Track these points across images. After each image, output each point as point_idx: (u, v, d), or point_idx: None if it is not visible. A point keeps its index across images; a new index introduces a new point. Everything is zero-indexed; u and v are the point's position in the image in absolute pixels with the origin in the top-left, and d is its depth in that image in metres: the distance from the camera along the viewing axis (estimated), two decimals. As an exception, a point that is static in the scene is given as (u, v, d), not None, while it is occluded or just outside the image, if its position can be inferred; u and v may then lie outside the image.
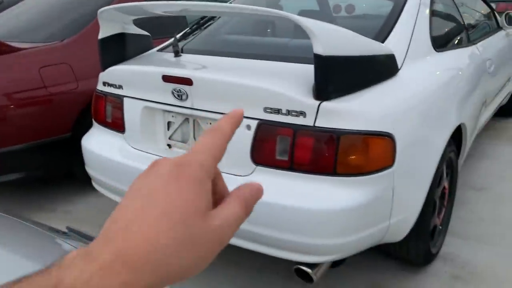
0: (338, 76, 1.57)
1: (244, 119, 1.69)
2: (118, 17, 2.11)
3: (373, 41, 1.73)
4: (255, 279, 2.17)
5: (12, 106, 2.63)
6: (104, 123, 2.21)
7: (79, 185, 3.20)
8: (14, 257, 1.15)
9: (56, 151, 2.86)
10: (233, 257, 2.32)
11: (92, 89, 2.90)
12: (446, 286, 2.09)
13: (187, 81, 1.77)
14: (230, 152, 1.80)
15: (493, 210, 2.69)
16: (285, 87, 1.61)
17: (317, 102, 1.56)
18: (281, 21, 1.79)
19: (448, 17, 2.56)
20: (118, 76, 2.07)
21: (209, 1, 4.14)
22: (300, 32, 2.07)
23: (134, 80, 2.00)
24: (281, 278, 2.16)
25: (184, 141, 1.96)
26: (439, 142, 1.89)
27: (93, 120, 2.31)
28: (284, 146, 1.63)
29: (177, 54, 2.09)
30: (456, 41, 2.49)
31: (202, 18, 2.65)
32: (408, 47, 1.98)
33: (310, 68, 1.72)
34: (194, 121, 1.90)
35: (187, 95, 1.81)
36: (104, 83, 2.15)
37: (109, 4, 3.18)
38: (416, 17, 2.14)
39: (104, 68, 2.17)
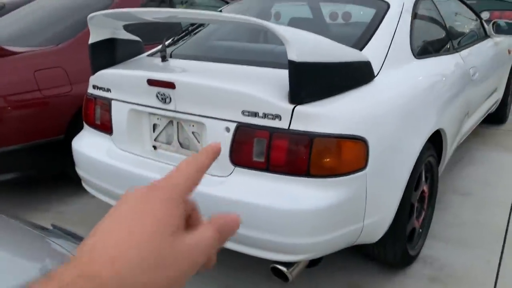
0: (312, 81, 1.64)
1: (223, 122, 1.76)
2: (108, 22, 2.19)
3: (348, 48, 1.80)
4: (238, 279, 2.22)
5: (7, 108, 2.71)
6: (93, 125, 2.28)
7: (73, 186, 3.26)
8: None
9: (50, 152, 2.93)
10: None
11: (85, 92, 2.99)
12: None
13: (170, 85, 1.84)
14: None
15: (476, 214, 2.74)
16: (262, 91, 1.67)
17: (292, 106, 1.62)
18: (258, 28, 1.85)
19: (431, 25, 2.63)
20: (106, 80, 2.15)
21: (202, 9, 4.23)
22: (276, 38, 2.15)
23: (121, 84, 2.07)
24: (264, 277, 2.21)
25: (168, 142, 2.02)
26: (414, 146, 1.95)
27: (83, 122, 2.39)
28: (260, 148, 1.69)
29: (164, 59, 2.17)
30: (438, 48, 2.55)
31: (192, 24, 2.73)
32: (387, 54, 2.05)
33: (285, 73, 1.79)
34: (177, 123, 1.96)
35: (170, 99, 1.88)
36: (94, 86, 2.23)
37: (105, 9, 3.28)
38: (397, 25, 2.21)
39: (94, 71, 2.24)
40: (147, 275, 0.33)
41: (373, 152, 1.71)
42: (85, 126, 2.37)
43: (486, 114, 3.57)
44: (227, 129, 1.75)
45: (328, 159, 1.63)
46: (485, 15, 4.84)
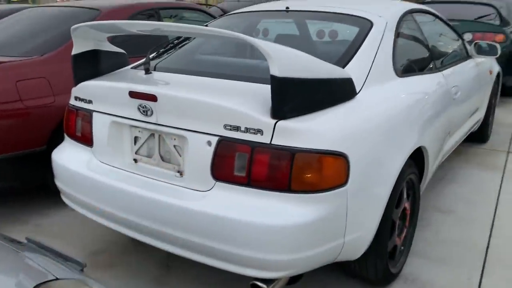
0: (294, 97, 1.64)
1: (205, 135, 1.75)
2: (92, 34, 2.17)
3: (330, 64, 1.81)
4: (218, 295, 2.19)
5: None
6: (74, 137, 2.25)
7: (53, 198, 3.21)
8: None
9: (31, 163, 2.88)
10: (193, 271, 2.34)
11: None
12: (405, 305, 2.13)
13: (152, 97, 1.83)
14: (191, 167, 1.85)
15: (457, 232, 2.75)
16: (244, 106, 1.67)
17: (274, 121, 1.62)
18: (241, 43, 1.86)
19: (413, 44, 2.67)
20: (88, 91, 2.13)
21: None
22: (259, 53, 2.15)
23: (103, 95, 2.05)
24: (243, 295, 2.18)
25: (149, 156, 2.00)
26: (395, 163, 1.96)
27: (64, 134, 2.35)
28: (242, 162, 1.68)
29: (147, 71, 2.16)
30: (421, 67, 2.59)
31: (178, 38, 2.74)
32: (369, 72, 2.07)
33: (267, 88, 1.79)
34: (159, 136, 1.95)
35: (152, 111, 1.86)
36: (76, 98, 2.21)
37: (91, 21, 3.27)
38: (380, 43, 2.24)
39: (76, 83, 2.22)
40: None
41: (354, 168, 1.71)
42: (66, 137, 2.34)
43: (468, 133, 3.61)
44: (209, 143, 1.74)
45: (309, 175, 1.62)
46: (467, 36, 4.94)
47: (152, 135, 1.97)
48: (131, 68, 2.42)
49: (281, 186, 1.63)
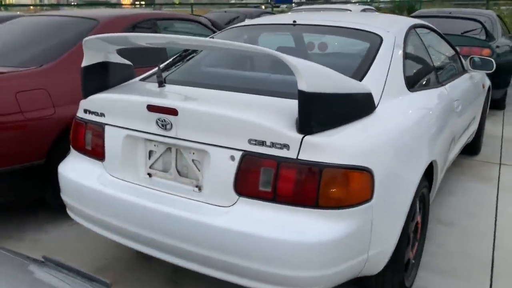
0: (321, 112, 1.63)
1: (228, 150, 1.72)
2: (102, 46, 2.13)
3: (353, 80, 1.82)
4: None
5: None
6: (83, 151, 2.19)
7: (49, 212, 3.11)
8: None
9: (29, 177, 2.79)
10: (201, 287, 2.30)
11: (69, 115, 2.89)
12: (420, 319, 2.13)
13: (172, 111, 1.80)
14: (212, 182, 1.82)
15: (461, 245, 2.78)
16: (270, 120, 1.66)
17: (301, 136, 1.61)
18: (268, 58, 1.85)
19: (419, 59, 2.71)
20: (100, 104, 2.08)
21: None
22: (280, 68, 2.14)
23: (117, 109, 2.01)
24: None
25: (165, 170, 1.96)
26: (414, 178, 1.97)
27: (71, 147, 2.29)
28: (267, 177, 1.66)
29: (161, 84, 2.12)
30: (427, 82, 2.63)
31: (185, 50, 2.71)
32: (384, 86, 2.08)
33: (291, 103, 1.78)
34: (176, 150, 1.91)
35: (171, 125, 1.83)
36: (86, 111, 2.15)
37: (89, 31, 3.22)
38: (391, 58, 2.26)
39: (86, 95, 2.17)
40: None
41: (378, 183, 1.71)
42: (73, 151, 2.28)
43: (465, 145, 3.68)
44: (232, 158, 1.71)
45: (336, 190, 1.61)
46: (455, 50, 5.05)
47: (169, 149, 1.93)
48: (140, 80, 2.38)
49: (308, 201, 1.62)
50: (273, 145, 1.64)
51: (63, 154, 2.90)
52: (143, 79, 2.38)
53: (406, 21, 2.77)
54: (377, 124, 1.86)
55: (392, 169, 1.82)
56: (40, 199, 3.00)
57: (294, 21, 2.68)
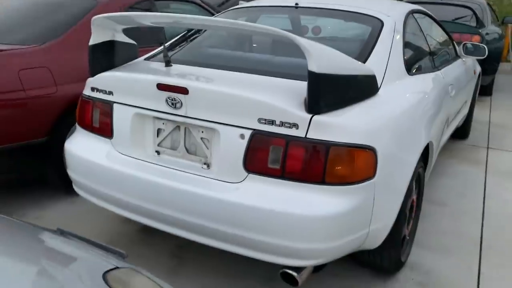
0: (329, 92, 1.70)
1: (238, 129, 1.78)
2: (110, 25, 2.16)
3: (359, 62, 1.88)
4: (235, 286, 2.23)
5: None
6: (90, 128, 2.22)
7: (51, 191, 3.15)
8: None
9: (31, 154, 2.82)
10: (207, 262, 2.38)
11: (71, 94, 2.91)
12: (414, 292, 2.25)
13: (183, 90, 1.85)
14: (221, 159, 1.88)
15: (452, 223, 2.91)
16: (280, 101, 1.72)
17: (309, 115, 1.68)
18: (278, 39, 1.90)
19: (417, 44, 2.78)
20: (108, 83, 2.11)
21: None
22: (286, 49, 2.19)
23: (126, 87, 2.04)
24: (260, 285, 2.24)
25: (173, 148, 2.02)
26: (413, 158, 2.06)
27: (77, 124, 2.32)
28: (276, 155, 1.73)
29: (168, 63, 2.16)
30: (424, 66, 2.71)
31: (189, 30, 2.74)
32: (386, 70, 2.15)
33: (298, 84, 1.85)
34: (185, 129, 1.96)
35: (181, 104, 1.88)
36: (93, 89, 2.18)
37: (90, 10, 3.22)
38: (392, 42, 2.33)
39: (93, 73, 2.20)
40: None
41: (380, 162, 1.80)
42: (79, 128, 2.31)
43: (456, 128, 3.79)
44: (242, 136, 1.77)
45: (342, 167, 1.69)
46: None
47: (178, 127, 1.98)
48: (145, 59, 2.41)
49: (315, 178, 1.69)
50: (282, 124, 1.70)
51: (66, 132, 2.94)
52: (148, 59, 2.41)
53: (405, 6, 2.83)
54: (380, 105, 1.93)
55: (394, 149, 1.90)
56: (41, 177, 3.04)
57: (297, 4, 2.72)
